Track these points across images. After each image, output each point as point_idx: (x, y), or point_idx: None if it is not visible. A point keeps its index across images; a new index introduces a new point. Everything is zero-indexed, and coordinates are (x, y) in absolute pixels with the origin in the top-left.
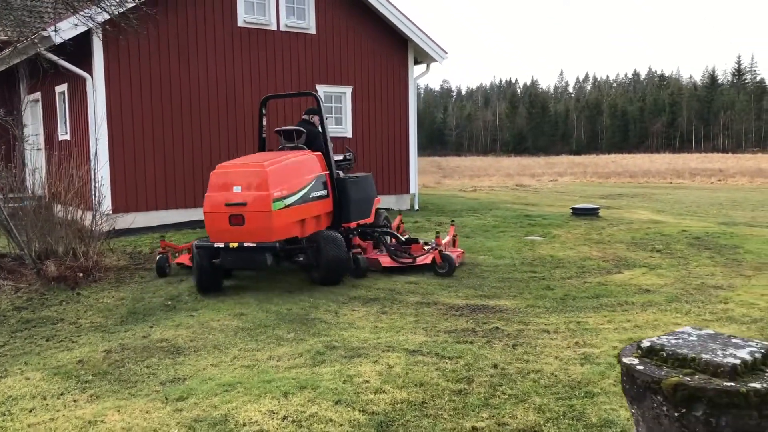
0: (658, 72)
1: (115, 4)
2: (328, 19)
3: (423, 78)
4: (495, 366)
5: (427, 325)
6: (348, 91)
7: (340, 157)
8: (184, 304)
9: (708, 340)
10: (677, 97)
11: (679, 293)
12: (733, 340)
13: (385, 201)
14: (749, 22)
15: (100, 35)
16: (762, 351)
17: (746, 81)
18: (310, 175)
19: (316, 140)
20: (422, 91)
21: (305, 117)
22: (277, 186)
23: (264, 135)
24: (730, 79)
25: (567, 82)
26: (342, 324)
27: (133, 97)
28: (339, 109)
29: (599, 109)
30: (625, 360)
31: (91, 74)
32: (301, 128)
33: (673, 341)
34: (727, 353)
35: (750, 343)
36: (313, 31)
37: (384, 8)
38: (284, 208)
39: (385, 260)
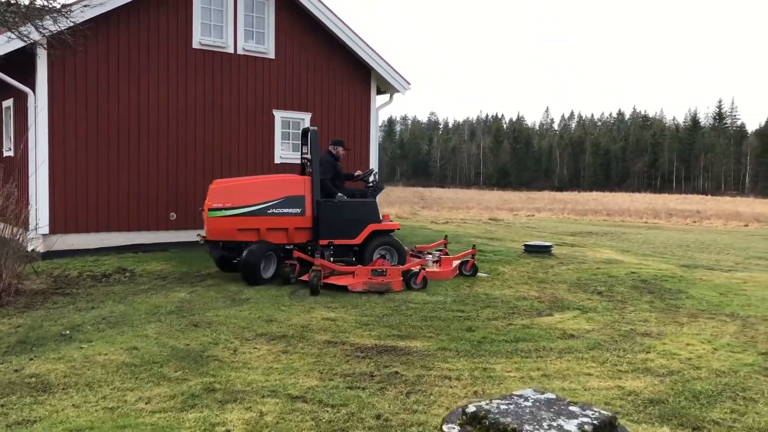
0: (642, 112)
1: (50, 21)
2: (288, 44)
3: (386, 108)
4: (378, 416)
5: (325, 368)
6: (307, 117)
7: (372, 183)
8: (81, 335)
9: (542, 408)
10: (660, 138)
11: (603, 340)
12: (570, 408)
13: None
14: (731, 67)
15: (39, 52)
16: (595, 423)
17: (726, 125)
18: (276, 194)
19: (324, 167)
20: (409, 122)
21: (330, 147)
22: (217, 200)
23: (303, 160)
24: (711, 122)
25: (552, 119)
26: (236, 363)
27: (78, 115)
28: (297, 136)
29: (582, 147)
30: (445, 428)
31: (33, 90)
32: (309, 157)
33: (503, 407)
34: (554, 425)
35: (587, 412)
36: (272, 55)
37: (346, 36)
38: (222, 216)
39: (306, 276)
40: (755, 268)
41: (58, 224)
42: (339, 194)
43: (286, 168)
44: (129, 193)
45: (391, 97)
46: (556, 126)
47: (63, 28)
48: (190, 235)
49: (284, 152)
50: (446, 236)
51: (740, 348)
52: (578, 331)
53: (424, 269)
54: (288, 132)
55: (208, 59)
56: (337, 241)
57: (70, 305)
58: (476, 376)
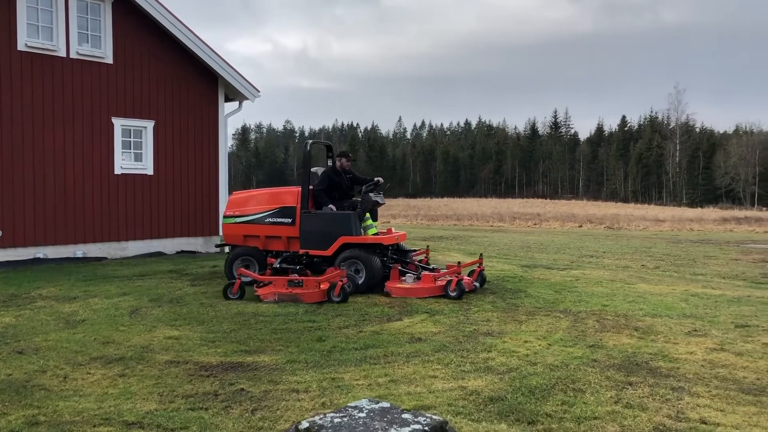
0: (487, 122)
1: None
2: (128, 49)
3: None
4: None
5: (166, 390)
6: (150, 125)
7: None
8: None
9: (376, 418)
10: (503, 146)
11: (448, 342)
12: (404, 416)
13: (191, 243)
14: (564, 78)
15: None
16: (426, 429)
17: (561, 133)
18: (272, 204)
19: (320, 178)
20: (264, 130)
21: (336, 159)
22: (229, 208)
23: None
24: (548, 131)
25: (405, 129)
26: (66, 392)
27: None
28: (139, 145)
29: (433, 155)
30: None
31: None
32: (314, 171)
33: (336, 420)
34: None
35: (419, 419)
36: (109, 60)
37: (191, 42)
38: (232, 223)
39: (260, 291)
40: (587, 265)
41: None
42: (329, 206)
43: (127, 179)
44: None
45: (240, 104)
46: (408, 135)
47: None
48: (20, 254)
49: (125, 162)
50: (481, 255)
51: (571, 342)
52: (425, 335)
53: (342, 281)
54: (129, 141)
55: (36, 63)
56: (312, 252)
57: None
58: (325, 387)
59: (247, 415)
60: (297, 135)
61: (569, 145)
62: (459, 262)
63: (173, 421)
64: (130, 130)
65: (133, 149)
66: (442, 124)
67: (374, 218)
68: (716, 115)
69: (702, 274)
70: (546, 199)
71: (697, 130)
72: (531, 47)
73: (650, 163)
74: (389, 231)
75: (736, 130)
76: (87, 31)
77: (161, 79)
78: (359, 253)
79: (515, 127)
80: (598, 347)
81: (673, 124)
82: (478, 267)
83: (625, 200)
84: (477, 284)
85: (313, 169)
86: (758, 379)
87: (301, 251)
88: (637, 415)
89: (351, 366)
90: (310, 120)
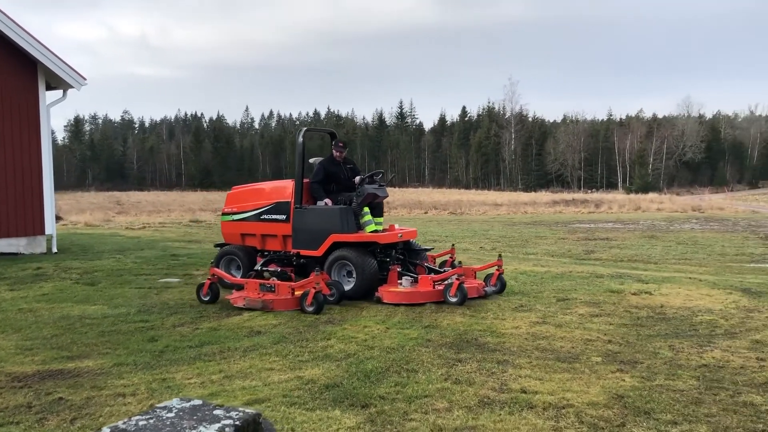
0: (336, 112)
1: None
2: None
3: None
4: None
5: None
6: None
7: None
8: None
9: (185, 417)
10: (352, 136)
11: (288, 333)
12: (215, 412)
13: (12, 244)
14: (408, 69)
15: None
16: (238, 423)
17: (407, 123)
18: (268, 200)
19: (315, 170)
20: (100, 120)
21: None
22: (228, 204)
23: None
24: (395, 121)
25: (252, 119)
26: None
27: None
28: None
29: (283, 146)
30: None
31: None
32: (312, 162)
33: (142, 423)
34: None
35: (231, 413)
36: None
37: (2, 24)
38: (230, 221)
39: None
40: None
41: None
42: (324, 200)
43: None
44: None
45: (64, 93)
46: (256, 125)
47: None
48: None
49: None
50: (500, 255)
51: (408, 324)
52: (265, 327)
53: (316, 287)
54: None
55: None
56: (303, 252)
57: None
58: (154, 388)
59: (65, 425)
60: (136, 125)
61: (415, 135)
62: (460, 262)
63: None
64: None
65: None
66: (291, 114)
67: (378, 214)
68: (546, 105)
69: (533, 254)
70: (395, 187)
71: (530, 119)
72: (377, 37)
73: (489, 151)
74: (391, 228)
75: (564, 119)
76: None
77: None
78: (349, 254)
79: (363, 117)
80: (433, 327)
81: (508, 114)
82: (497, 270)
83: (467, 187)
84: (487, 290)
85: (311, 160)
86: (573, 348)
87: (293, 251)
88: (465, 389)
89: (184, 365)
90: (150, 110)
